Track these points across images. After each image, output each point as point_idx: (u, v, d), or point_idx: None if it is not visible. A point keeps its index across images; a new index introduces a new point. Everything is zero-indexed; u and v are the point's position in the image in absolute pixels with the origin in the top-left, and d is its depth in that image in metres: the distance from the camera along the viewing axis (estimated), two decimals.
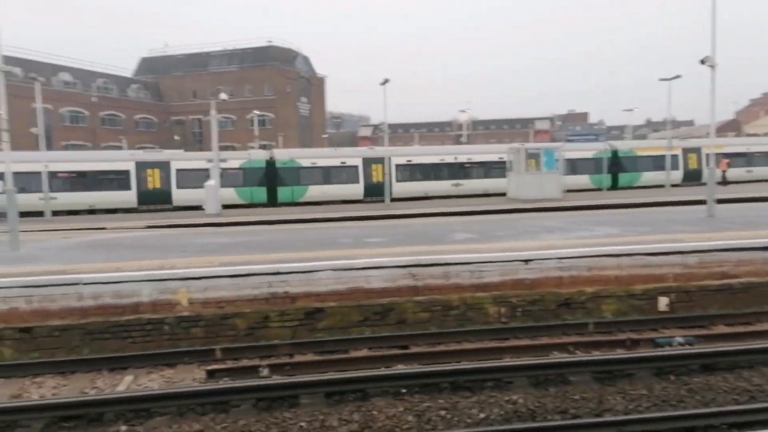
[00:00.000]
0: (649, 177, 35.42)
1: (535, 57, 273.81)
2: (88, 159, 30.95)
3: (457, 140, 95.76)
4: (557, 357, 8.10)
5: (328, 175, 32.20)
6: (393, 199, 29.87)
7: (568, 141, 46.96)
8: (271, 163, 31.82)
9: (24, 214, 18.80)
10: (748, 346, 7.95)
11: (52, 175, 27.71)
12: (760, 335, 8.82)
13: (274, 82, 75.46)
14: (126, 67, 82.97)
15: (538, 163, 28.01)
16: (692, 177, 35.60)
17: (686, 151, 36.06)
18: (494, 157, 33.91)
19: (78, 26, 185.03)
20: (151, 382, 7.89)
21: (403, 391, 6.97)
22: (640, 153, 36.08)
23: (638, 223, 15.89)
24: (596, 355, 8.08)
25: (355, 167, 32.62)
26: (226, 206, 27.49)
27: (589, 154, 34.77)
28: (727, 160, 33.87)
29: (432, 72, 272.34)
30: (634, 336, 8.87)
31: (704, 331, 9.26)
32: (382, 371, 7.50)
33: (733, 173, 34.50)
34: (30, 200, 25.70)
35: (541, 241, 12.65)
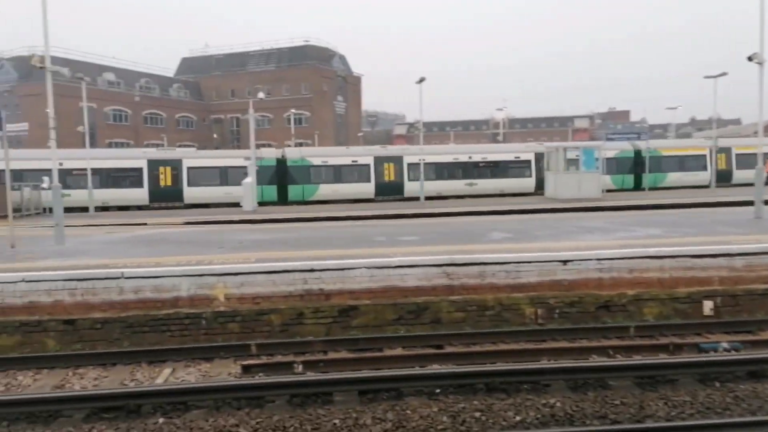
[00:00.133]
0: (674, 178, 34.27)
1: (565, 45, 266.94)
2: (101, 156, 31.17)
3: (493, 139, 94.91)
4: (597, 360, 7.91)
5: (339, 173, 32.17)
6: (404, 198, 29.56)
7: (608, 140, 45.80)
8: (281, 161, 31.91)
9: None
10: None
11: (67, 172, 27.73)
12: None
13: (310, 81, 76.19)
14: (168, 67, 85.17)
15: (576, 162, 27.56)
16: (722, 178, 34.15)
17: (716, 150, 34.44)
18: (510, 157, 33.42)
19: (123, 26, 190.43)
20: (189, 375, 8.01)
21: (438, 391, 6.91)
22: (665, 153, 34.87)
23: (682, 224, 15.44)
24: (637, 359, 7.87)
25: (367, 166, 32.52)
26: (234, 204, 27.73)
27: (610, 154, 33.70)
28: None
29: (466, 66, 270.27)
30: (677, 340, 8.62)
31: (751, 337, 8.91)
32: (417, 370, 7.45)
33: None
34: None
35: (581, 241, 12.40)
